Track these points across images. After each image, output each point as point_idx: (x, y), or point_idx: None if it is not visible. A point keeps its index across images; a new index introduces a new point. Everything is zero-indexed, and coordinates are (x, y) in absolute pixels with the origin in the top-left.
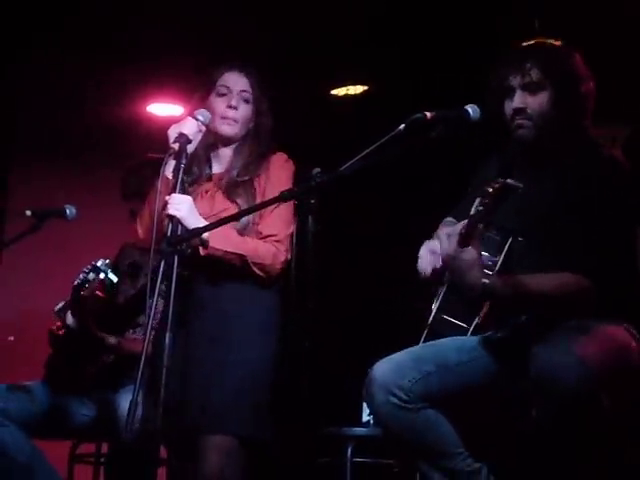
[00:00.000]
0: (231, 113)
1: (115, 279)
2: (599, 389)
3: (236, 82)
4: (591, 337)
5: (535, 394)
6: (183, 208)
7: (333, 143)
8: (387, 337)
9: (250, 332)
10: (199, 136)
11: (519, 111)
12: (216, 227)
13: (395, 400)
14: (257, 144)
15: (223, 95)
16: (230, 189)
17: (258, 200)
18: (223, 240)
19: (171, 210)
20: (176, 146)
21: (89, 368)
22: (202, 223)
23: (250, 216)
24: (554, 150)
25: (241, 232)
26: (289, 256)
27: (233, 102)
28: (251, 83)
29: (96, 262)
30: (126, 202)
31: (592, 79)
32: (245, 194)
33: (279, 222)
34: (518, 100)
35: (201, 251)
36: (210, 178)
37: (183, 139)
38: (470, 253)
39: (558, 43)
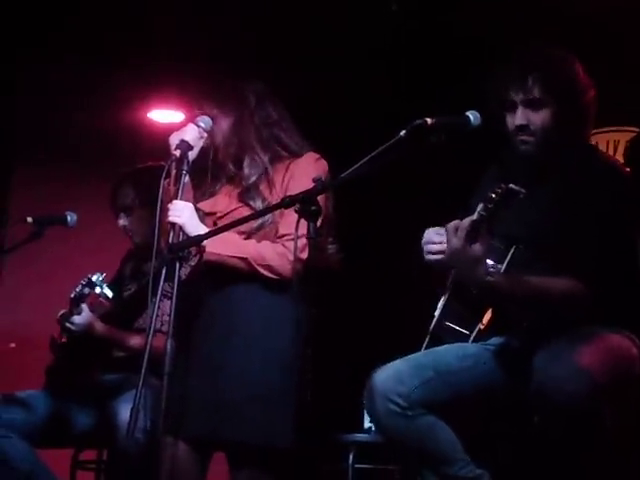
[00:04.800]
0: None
1: (110, 294)
2: (602, 399)
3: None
4: (593, 346)
5: (538, 404)
6: (184, 215)
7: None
8: (389, 343)
9: (262, 337)
10: (201, 142)
11: (522, 127)
12: (217, 234)
13: (394, 407)
14: (235, 146)
15: None
16: (243, 195)
17: (274, 200)
18: (222, 245)
19: (172, 217)
20: (177, 153)
21: (92, 374)
22: (203, 229)
23: (268, 214)
24: (555, 160)
25: (257, 231)
26: (304, 256)
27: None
28: (200, 108)
29: (91, 276)
30: (115, 216)
31: (592, 87)
32: (259, 196)
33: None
34: (521, 117)
35: (204, 258)
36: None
37: (184, 146)
38: (478, 248)
39: (556, 50)
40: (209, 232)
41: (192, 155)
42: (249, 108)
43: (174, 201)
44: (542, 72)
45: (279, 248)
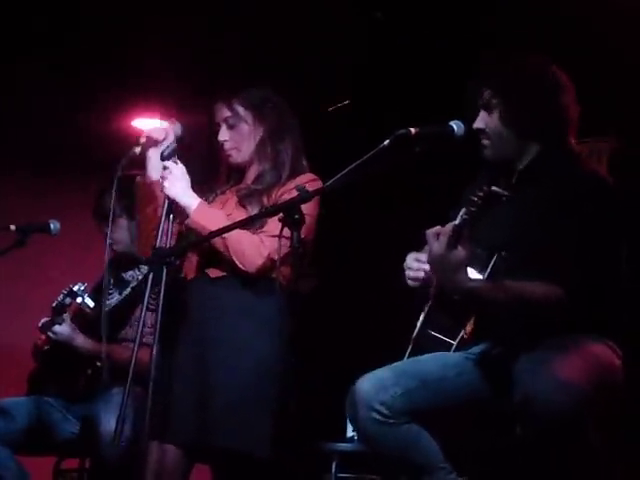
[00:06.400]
0: (225, 146)
1: (92, 304)
2: (584, 409)
3: (219, 113)
4: (577, 356)
5: (522, 415)
6: (176, 184)
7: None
8: (372, 351)
9: (247, 341)
10: (169, 138)
11: (479, 131)
12: (203, 242)
13: (377, 415)
14: (269, 158)
15: (218, 132)
16: (242, 197)
17: None
18: (207, 217)
19: (165, 188)
20: (137, 150)
21: (74, 382)
22: (194, 198)
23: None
24: (534, 166)
25: None
26: (275, 257)
27: (219, 137)
28: (230, 106)
29: (73, 286)
30: (97, 224)
31: (566, 90)
32: (256, 202)
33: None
34: (479, 120)
35: (188, 222)
36: (231, 187)
37: (149, 143)
38: (459, 254)
39: (518, 55)
40: (196, 241)
41: (157, 151)
42: (289, 124)
43: (167, 170)
44: (492, 75)
45: (256, 239)
